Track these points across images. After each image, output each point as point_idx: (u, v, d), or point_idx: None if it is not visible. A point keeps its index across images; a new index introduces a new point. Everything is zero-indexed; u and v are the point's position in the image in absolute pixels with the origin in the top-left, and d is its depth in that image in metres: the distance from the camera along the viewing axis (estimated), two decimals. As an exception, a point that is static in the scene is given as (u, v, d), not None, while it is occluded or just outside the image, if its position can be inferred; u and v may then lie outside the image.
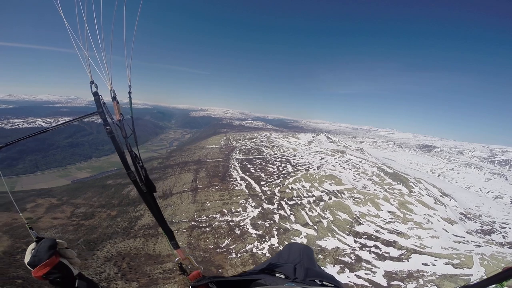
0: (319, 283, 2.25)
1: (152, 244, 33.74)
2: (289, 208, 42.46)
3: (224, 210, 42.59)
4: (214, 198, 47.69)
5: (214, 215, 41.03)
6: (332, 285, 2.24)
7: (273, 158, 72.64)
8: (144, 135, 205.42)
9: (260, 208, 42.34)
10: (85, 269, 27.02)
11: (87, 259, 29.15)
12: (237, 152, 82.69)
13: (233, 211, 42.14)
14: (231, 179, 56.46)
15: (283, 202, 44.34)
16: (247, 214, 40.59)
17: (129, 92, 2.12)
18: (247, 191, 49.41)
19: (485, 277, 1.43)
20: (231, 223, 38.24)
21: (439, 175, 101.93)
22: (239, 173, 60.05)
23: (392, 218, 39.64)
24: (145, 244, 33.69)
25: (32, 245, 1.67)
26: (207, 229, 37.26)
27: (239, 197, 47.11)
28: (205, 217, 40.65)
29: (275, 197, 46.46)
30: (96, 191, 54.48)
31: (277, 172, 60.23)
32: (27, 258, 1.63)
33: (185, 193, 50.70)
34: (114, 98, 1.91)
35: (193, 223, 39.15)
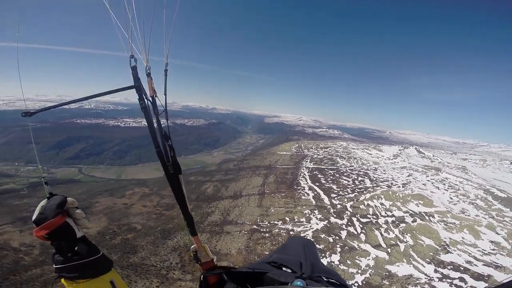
0: (325, 280, 2.15)
1: (215, 241, 35.56)
2: (361, 226, 37.82)
3: (286, 218, 41.31)
4: (278, 204, 47.07)
5: (275, 222, 40.26)
6: (338, 284, 2.17)
7: (348, 170, 66.79)
8: (224, 138, 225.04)
9: (326, 221, 39.17)
10: (153, 256, 30.56)
11: (158, 246, 32.95)
12: (308, 160, 79.83)
13: (296, 220, 40.35)
14: (299, 187, 54.71)
15: (354, 219, 39.89)
16: (310, 226, 38.11)
17: (165, 70, 2.05)
18: (314, 202, 46.75)
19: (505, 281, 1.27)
20: (291, 232, 36.58)
21: None
22: (307, 183, 57.67)
23: (493, 249, 30.47)
24: (209, 240, 35.66)
25: (43, 202, 1.54)
26: (267, 234, 36.72)
27: (304, 207, 44.96)
28: (267, 223, 40.39)
29: (346, 212, 42.26)
30: (180, 185, 62.02)
31: (352, 185, 54.93)
32: (34, 215, 1.47)
33: (252, 196, 52.01)
34: (148, 75, 1.89)
35: (255, 226, 39.43)
